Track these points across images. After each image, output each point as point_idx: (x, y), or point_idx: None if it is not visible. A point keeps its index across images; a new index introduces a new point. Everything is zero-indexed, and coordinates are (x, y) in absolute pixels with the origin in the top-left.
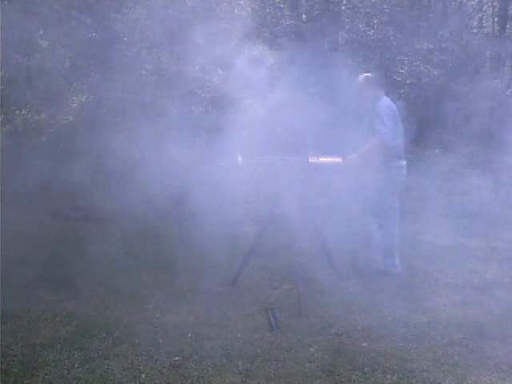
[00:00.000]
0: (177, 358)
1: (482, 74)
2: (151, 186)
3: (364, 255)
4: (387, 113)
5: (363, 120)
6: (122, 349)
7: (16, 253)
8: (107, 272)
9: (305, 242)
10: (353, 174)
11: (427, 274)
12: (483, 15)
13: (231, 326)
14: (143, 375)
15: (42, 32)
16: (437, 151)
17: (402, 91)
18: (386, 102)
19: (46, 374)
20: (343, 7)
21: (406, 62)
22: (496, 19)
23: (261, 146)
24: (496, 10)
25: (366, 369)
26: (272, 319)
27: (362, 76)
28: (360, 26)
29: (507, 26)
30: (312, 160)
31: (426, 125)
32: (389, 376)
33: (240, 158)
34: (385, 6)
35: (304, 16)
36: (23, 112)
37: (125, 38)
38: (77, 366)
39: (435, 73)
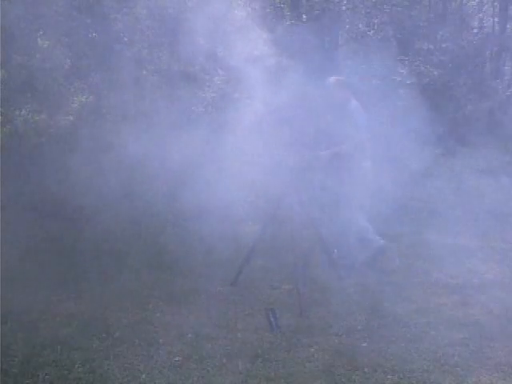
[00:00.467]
0: (177, 358)
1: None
2: (151, 185)
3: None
4: (358, 116)
5: (325, 120)
6: (121, 349)
7: (16, 253)
8: (107, 272)
9: (305, 242)
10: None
11: (427, 273)
12: (483, 15)
13: (231, 326)
14: (143, 375)
15: (41, 32)
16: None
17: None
18: (356, 105)
19: (46, 374)
20: (343, 7)
21: (407, 62)
22: (496, 19)
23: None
24: (496, 9)
25: (366, 369)
26: (272, 319)
27: (333, 78)
28: (360, 26)
29: (507, 26)
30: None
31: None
32: (389, 376)
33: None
34: (385, 6)
35: (304, 16)
36: (23, 112)
37: (125, 38)
38: (77, 366)
39: (435, 73)
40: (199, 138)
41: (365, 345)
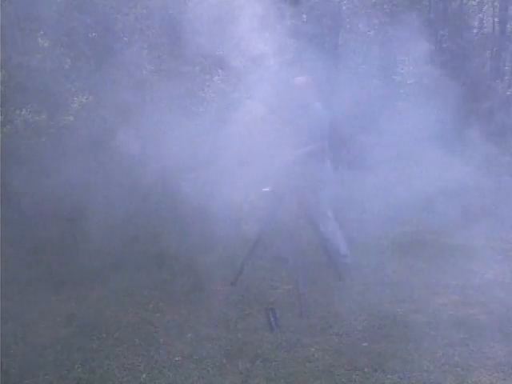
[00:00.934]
0: (177, 358)
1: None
2: (151, 185)
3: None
4: (322, 117)
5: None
6: (122, 349)
7: (16, 253)
8: (107, 272)
9: (305, 242)
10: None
11: (427, 273)
12: (483, 15)
13: (231, 326)
14: (143, 375)
15: (42, 32)
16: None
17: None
18: (319, 106)
19: (46, 374)
20: (343, 7)
21: (407, 62)
22: (496, 19)
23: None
24: (496, 10)
25: (366, 369)
26: (272, 319)
27: (302, 78)
28: (360, 26)
29: (507, 26)
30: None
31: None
32: (389, 376)
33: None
34: (385, 6)
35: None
36: (23, 112)
37: (125, 38)
38: (77, 366)
39: (435, 73)
40: (199, 138)
41: (365, 345)
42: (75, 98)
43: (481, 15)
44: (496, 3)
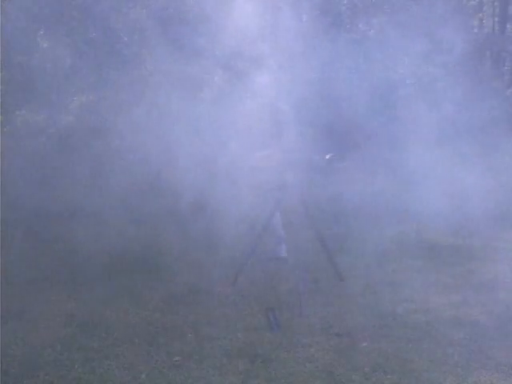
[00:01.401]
0: (177, 358)
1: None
2: (151, 185)
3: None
4: (283, 120)
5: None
6: (122, 349)
7: (16, 253)
8: (107, 272)
9: (305, 242)
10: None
11: (427, 273)
12: (483, 15)
13: (231, 326)
14: (143, 375)
15: (42, 32)
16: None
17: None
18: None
19: (46, 374)
20: (343, 7)
21: (407, 62)
22: (496, 19)
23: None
24: (496, 10)
25: (366, 369)
26: (272, 319)
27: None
28: (360, 25)
29: (507, 26)
30: None
31: None
32: (389, 376)
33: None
34: (385, 6)
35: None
36: (23, 112)
37: (125, 38)
38: (77, 366)
39: (435, 73)
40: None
41: (365, 345)
42: (75, 98)
43: (481, 15)
44: (496, 3)
